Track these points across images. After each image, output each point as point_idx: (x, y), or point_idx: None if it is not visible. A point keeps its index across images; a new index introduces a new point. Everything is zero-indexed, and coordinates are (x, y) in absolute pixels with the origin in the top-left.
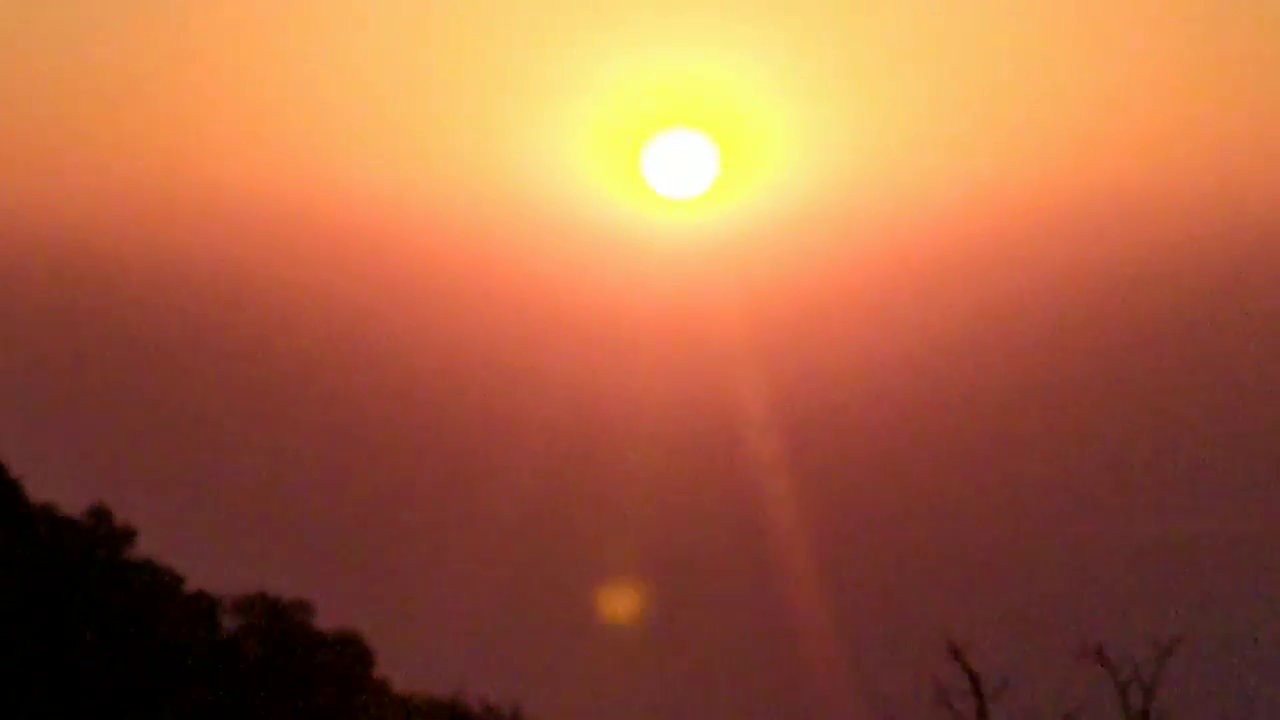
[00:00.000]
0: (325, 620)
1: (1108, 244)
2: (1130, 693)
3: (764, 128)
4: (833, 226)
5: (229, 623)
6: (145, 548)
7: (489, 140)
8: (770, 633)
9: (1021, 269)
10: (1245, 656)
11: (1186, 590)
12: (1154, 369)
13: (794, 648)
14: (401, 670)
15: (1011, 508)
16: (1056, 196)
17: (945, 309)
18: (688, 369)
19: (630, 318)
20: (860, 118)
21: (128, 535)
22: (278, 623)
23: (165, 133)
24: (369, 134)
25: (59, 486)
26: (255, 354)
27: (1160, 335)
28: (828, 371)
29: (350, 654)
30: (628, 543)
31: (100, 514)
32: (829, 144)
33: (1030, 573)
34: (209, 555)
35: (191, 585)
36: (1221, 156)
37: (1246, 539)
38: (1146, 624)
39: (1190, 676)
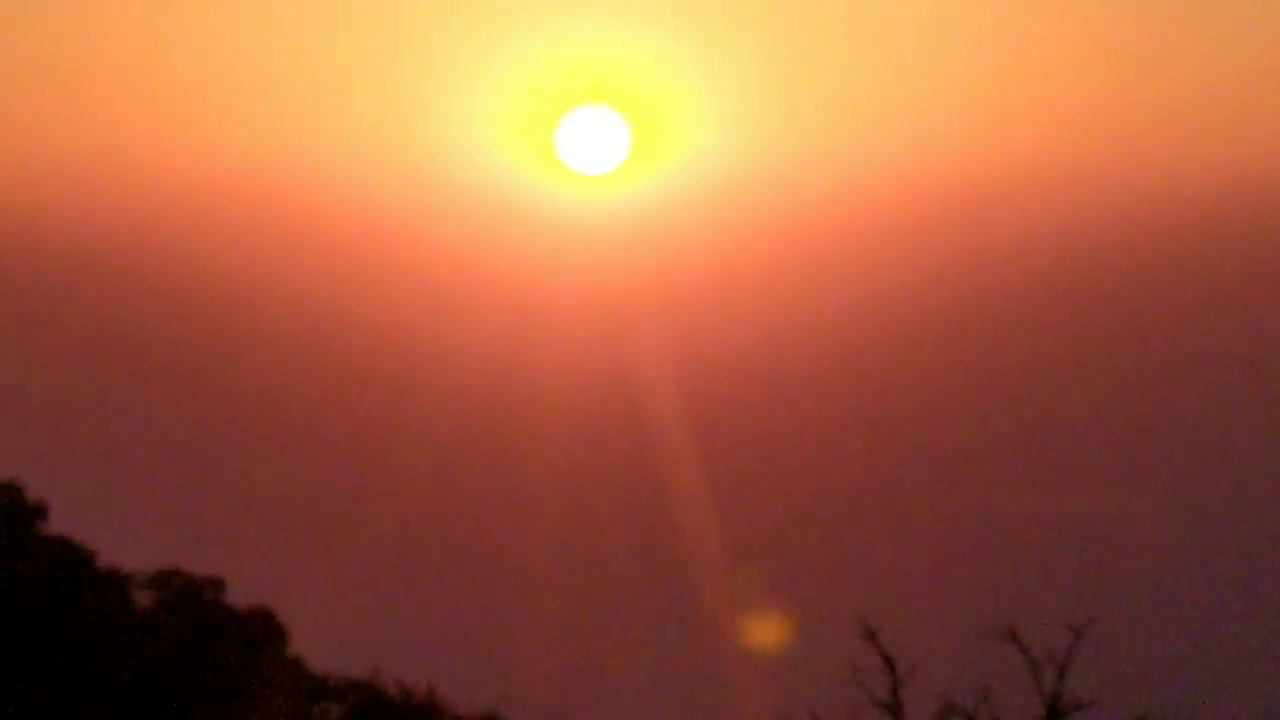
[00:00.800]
0: (238, 597)
1: (1027, 218)
2: (1043, 673)
3: (677, 103)
4: (746, 203)
5: (142, 599)
6: (57, 524)
7: (399, 116)
8: (675, 615)
9: (939, 245)
10: (1161, 636)
11: (1102, 568)
12: (1076, 344)
13: (700, 631)
14: (315, 649)
15: (925, 485)
16: (973, 171)
17: (861, 286)
18: (598, 345)
19: (542, 294)
20: (774, 93)
21: (40, 511)
22: (191, 599)
23: (74, 109)
24: (276, 108)
25: None
26: (165, 326)
27: (1081, 310)
28: (739, 349)
29: (263, 630)
30: (536, 514)
31: (11, 490)
32: (743, 119)
33: (942, 551)
34: (121, 531)
35: (104, 561)
36: (1142, 128)
37: (1164, 515)
38: (1060, 603)
39: (1104, 656)
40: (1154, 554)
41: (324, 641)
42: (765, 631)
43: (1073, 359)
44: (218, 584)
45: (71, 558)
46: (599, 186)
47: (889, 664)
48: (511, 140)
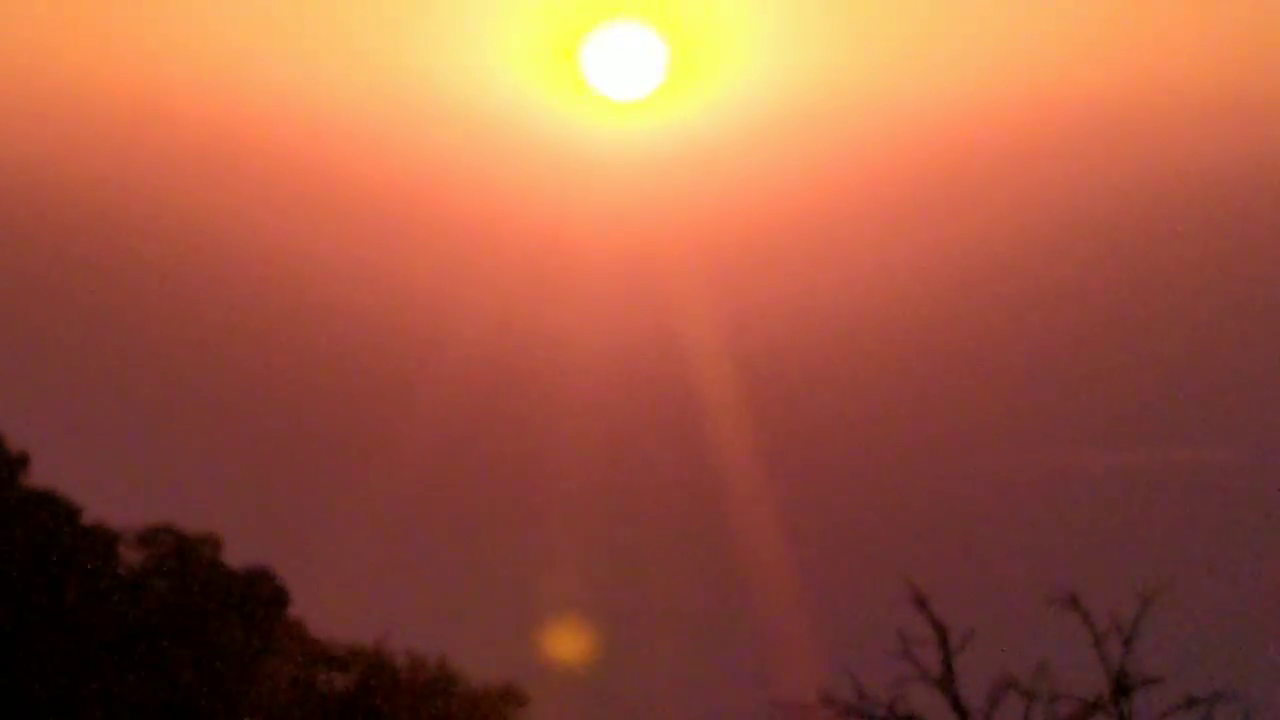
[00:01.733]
0: (236, 558)
1: (1100, 159)
2: (1108, 645)
3: (720, 22)
4: (797, 137)
5: (131, 557)
6: (40, 477)
7: (408, 31)
8: (726, 581)
9: (1004, 191)
10: (1239, 604)
11: (1176, 529)
12: (1139, 291)
13: (751, 598)
14: (319, 615)
15: (985, 440)
16: (1044, 109)
17: (920, 234)
18: (629, 294)
19: (568, 235)
20: (830, 12)
21: (21, 461)
22: (184, 557)
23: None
24: (283, 35)
25: None
26: (159, 275)
27: (1149, 257)
28: (787, 303)
29: (262, 592)
30: (563, 483)
31: None
32: (795, 42)
33: (1001, 511)
34: (110, 485)
35: (90, 516)
36: (1219, 65)
37: (1247, 469)
38: (1128, 568)
39: (1176, 627)
40: (1235, 512)
41: (329, 607)
42: (814, 600)
43: (1145, 301)
44: (213, 542)
45: (55, 512)
46: (630, 114)
47: (941, 634)
48: (532, 61)
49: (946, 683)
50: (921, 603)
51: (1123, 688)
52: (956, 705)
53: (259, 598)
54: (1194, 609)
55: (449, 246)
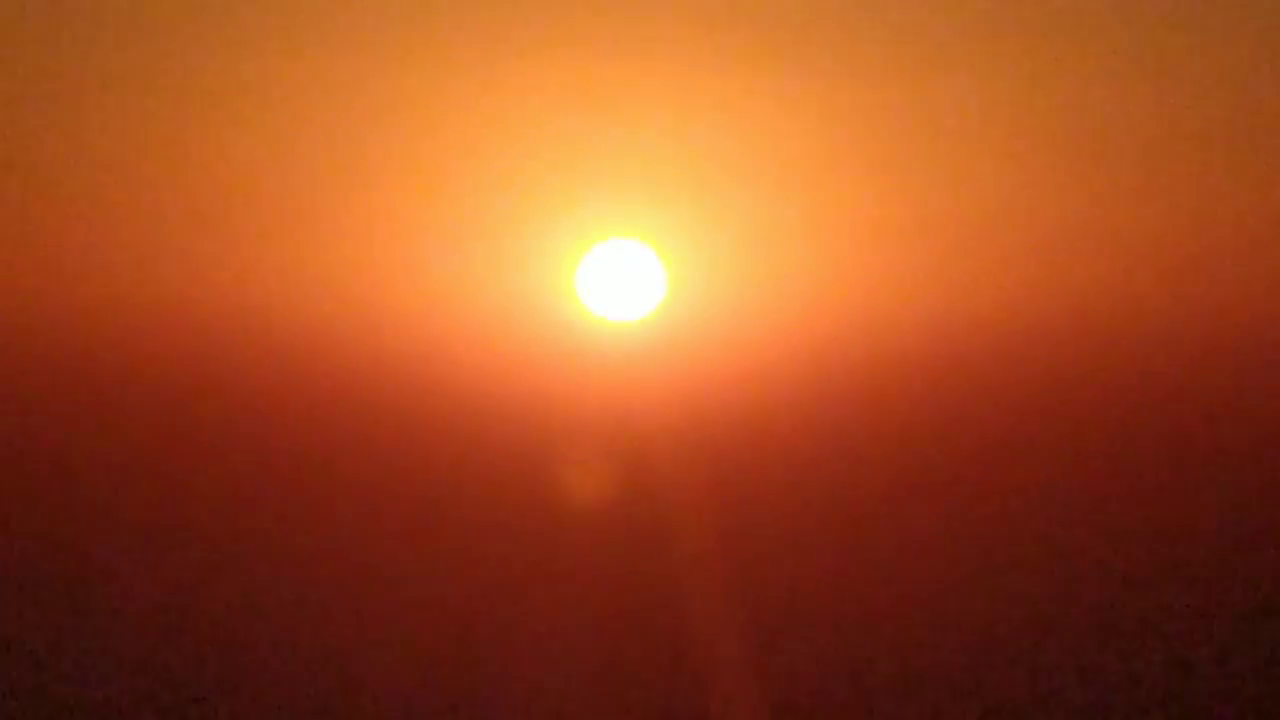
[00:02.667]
0: None
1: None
2: None
3: (724, 241)
4: (803, 359)
5: None
6: None
7: (411, 245)
8: None
9: (1008, 408)
10: None
11: None
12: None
13: None
14: None
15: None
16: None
17: (945, 490)
18: (627, 522)
19: (560, 456)
20: (841, 239)
21: None
22: None
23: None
24: (281, 247)
25: None
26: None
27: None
28: (791, 536)
29: None
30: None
31: None
32: (802, 268)
33: None
34: None
35: None
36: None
37: None
38: None
39: None
40: None
41: None
42: None
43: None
44: None
45: None
46: (628, 334)
47: None
48: (524, 277)
49: None
50: None
51: None
52: None
53: None
54: None
55: (433, 467)
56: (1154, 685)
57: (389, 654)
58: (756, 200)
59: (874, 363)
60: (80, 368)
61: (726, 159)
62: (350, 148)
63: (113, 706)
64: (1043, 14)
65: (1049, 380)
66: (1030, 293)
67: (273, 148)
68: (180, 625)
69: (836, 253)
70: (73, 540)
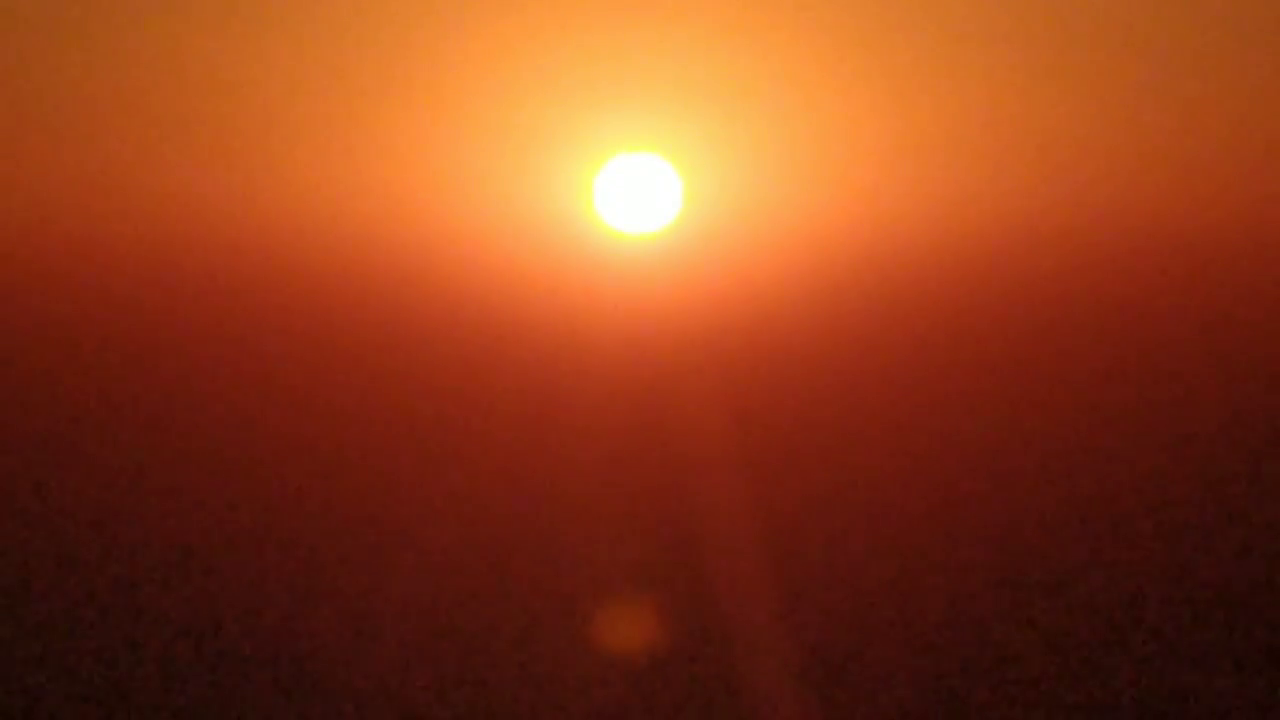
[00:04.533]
0: None
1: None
2: None
3: (741, 153)
4: (819, 270)
5: None
6: None
7: (425, 153)
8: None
9: (1035, 316)
10: None
11: None
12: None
13: None
14: None
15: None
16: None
17: (959, 390)
18: (642, 433)
19: (577, 369)
20: (855, 147)
21: None
22: None
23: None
24: (295, 153)
25: None
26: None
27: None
28: (807, 445)
29: None
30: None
31: None
32: (817, 175)
33: None
34: None
35: None
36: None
37: None
38: None
39: None
40: None
41: None
42: None
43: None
44: None
45: None
46: (644, 247)
47: None
48: (541, 192)
49: None
50: None
51: None
52: None
53: None
54: None
55: (450, 381)
56: (1165, 581)
57: (406, 565)
58: (772, 113)
59: (889, 273)
60: (85, 288)
61: (742, 73)
62: (366, 62)
63: (116, 633)
64: None
65: (1063, 287)
66: (1043, 201)
67: (286, 62)
68: (185, 551)
69: (851, 164)
70: (74, 450)
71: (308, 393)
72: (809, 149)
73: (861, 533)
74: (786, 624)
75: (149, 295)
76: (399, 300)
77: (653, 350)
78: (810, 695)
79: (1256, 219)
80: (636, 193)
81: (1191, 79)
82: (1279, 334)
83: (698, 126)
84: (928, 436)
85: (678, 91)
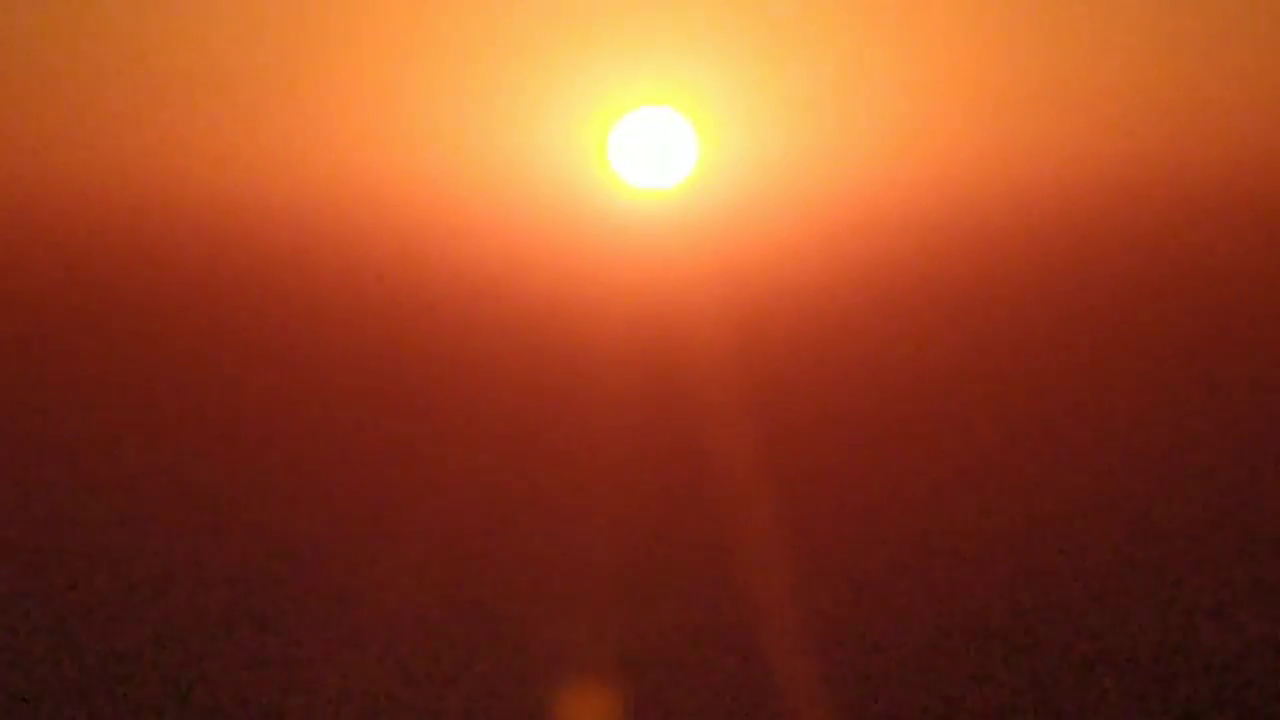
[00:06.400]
0: None
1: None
2: None
3: (756, 107)
4: (838, 224)
5: None
6: None
7: (444, 110)
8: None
9: (1042, 268)
10: None
11: None
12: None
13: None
14: None
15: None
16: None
17: (974, 334)
18: (657, 391)
19: (591, 324)
20: (881, 100)
21: None
22: None
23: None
24: (313, 115)
25: None
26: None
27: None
28: (822, 405)
29: None
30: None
31: None
32: (833, 125)
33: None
34: None
35: None
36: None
37: None
38: None
39: None
40: None
41: None
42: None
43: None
44: None
45: None
46: (659, 201)
47: None
48: (557, 146)
49: None
50: None
51: None
52: None
53: None
54: None
55: (464, 337)
56: (1174, 535)
57: (418, 524)
58: (788, 68)
59: (907, 227)
60: (71, 253)
61: (758, 27)
62: (379, 16)
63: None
64: None
65: (1087, 243)
66: (1060, 148)
67: (300, 14)
68: (186, 512)
69: (868, 117)
70: (73, 417)
71: (323, 357)
72: (827, 103)
73: (881, 500)
74: (799, 595)
75: (137, 269)
76: (414, 258)
77: (669, 307)
78: (827, 680)
79: None
80: (652, 148)
81: (1204, 31)
82: None
83: (714, 80)
84: (945, 397)
85: (693, 45)
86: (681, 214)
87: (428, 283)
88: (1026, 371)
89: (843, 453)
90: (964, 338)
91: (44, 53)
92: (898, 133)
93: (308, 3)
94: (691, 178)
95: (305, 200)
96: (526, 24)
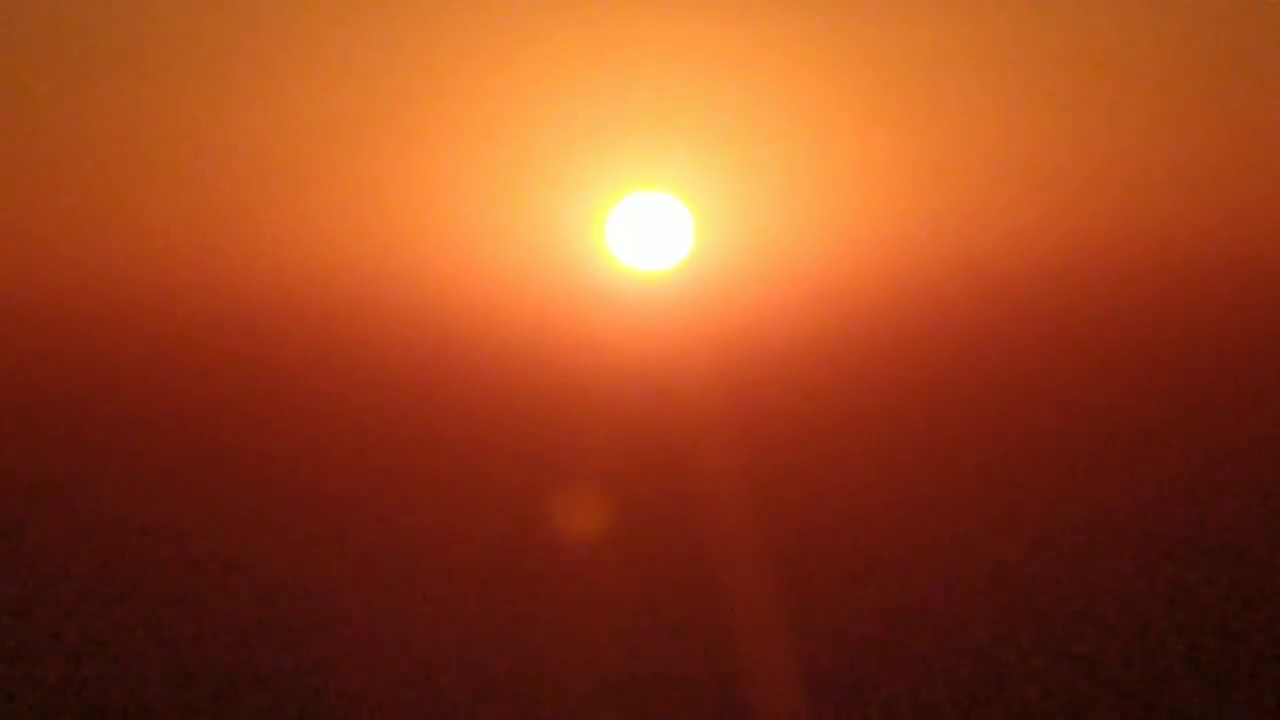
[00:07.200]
0: None
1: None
2: None
3: (751, 193)
4: (834, 309)
5: None
6: None
7: (441, 197)
8: None
9: (1038, 347)
10: None
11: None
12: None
13: None
14: None
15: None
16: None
17: (976, 422)
18: (654, 468)
19: (589, 404)
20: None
21: None
22: None
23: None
24: (306, 201)
25: None
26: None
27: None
28: (820, 489)
29: None
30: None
31: None
32: (831, 217)
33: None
34: None
35: None
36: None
37: None
38: None
39: None
40: None
41: None
42: None
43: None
44: None
45: None
46: (657, 284)
47: None
48: (555, 230)
49: None
50: None
51: None
52: None
53: None
54: None
55: (464, 419)
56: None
57: (408, 594)
58: (781, 150)
59: (904, 308)
60: (82, 347)
61: (751, 110)
62: (376, 103)
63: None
64: None
65: (1078, 319)
66: (1057, 230)
67: (294, 104)
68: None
69: (863, 199)
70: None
71: (314, 449)
72: (821, 186)
73: (869, 562)
74: (796, 653)
75: (153, 351)
76: (412, 339)
77: (665, 386)
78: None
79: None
80: (649, 230)
81: (1213, 101)
82: None
83: (709, 164)
84: (940, 470)
85: (689, 130)
86: (678, 295)
87: (425, 369)
88: (1016, 452)
89: (836, 525)
90: (958, 416)
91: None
92: (893, 215)
93: (298, 88)
94: (688, 259)
95: (297, 290)
96: (523, 110)
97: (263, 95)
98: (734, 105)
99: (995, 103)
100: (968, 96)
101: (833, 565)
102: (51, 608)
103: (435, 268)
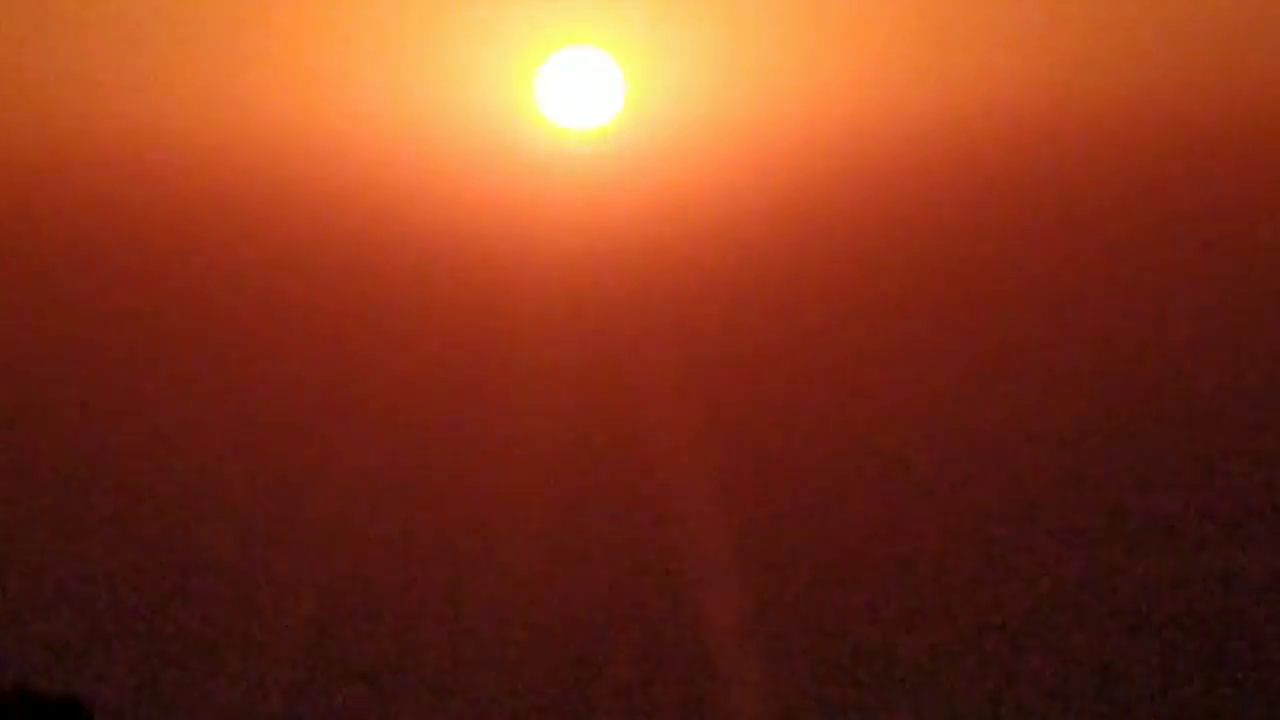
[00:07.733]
0: None
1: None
2: None
3: (684, 47)
4: (767, 164)
5: None
6: None
7: (369, 54)
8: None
9: (978, 200)
10: None
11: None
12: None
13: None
14: None
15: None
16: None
17: (917, 291)
18: (587, 336)
19: (520, 267)
20: (801, 36)
21: None
22: None
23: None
24: (239, 62)
25: None
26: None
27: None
28: (753, 346)
29: None
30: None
31: None
32: (761, 65)
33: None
34: None
35: None
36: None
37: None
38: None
39: None
40: None
41: None
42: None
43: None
44: None
45: None
46: (587, 142)
47: None
48: (483, 87)
49: None
50: None
51: None
52: None
53: None
54: None
55: (393, 283)
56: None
57: (369, 454)
58: (717, 4)
59: (836, 167)
60: (49, 197)
61: None
62: None
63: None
64: None
65: (1029, 174)
66: (1010, 80)
67: None
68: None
69: (804, 54)
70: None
71: (242, 309)
72: (761, 39)
73: (816, 437)
74: (728, 524)
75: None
76: (338, 205)
77: (596, 248)
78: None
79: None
80: (579, 88)
81: None
82: None
83: (641, 19)
84: (874, 328)
85: None
86: (609, 154)
87: (353, 229)
88: (960, 306)
89: (774, 384)
90: (895, 272)
91: None
92: (827, 68)
93: None
94: (619, 118)
95: (225, 146)
96: None
97: None
98: None
99: None
100: None
101: (760, 424)
102: None
103: (362, 125)
